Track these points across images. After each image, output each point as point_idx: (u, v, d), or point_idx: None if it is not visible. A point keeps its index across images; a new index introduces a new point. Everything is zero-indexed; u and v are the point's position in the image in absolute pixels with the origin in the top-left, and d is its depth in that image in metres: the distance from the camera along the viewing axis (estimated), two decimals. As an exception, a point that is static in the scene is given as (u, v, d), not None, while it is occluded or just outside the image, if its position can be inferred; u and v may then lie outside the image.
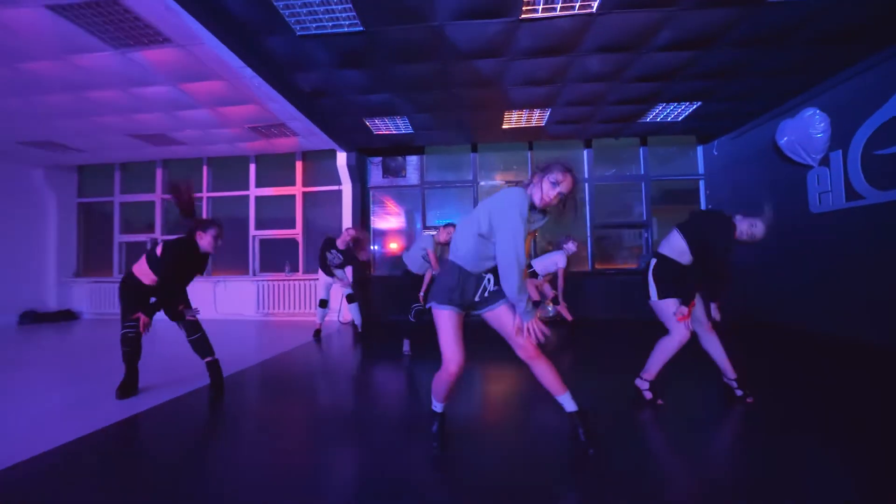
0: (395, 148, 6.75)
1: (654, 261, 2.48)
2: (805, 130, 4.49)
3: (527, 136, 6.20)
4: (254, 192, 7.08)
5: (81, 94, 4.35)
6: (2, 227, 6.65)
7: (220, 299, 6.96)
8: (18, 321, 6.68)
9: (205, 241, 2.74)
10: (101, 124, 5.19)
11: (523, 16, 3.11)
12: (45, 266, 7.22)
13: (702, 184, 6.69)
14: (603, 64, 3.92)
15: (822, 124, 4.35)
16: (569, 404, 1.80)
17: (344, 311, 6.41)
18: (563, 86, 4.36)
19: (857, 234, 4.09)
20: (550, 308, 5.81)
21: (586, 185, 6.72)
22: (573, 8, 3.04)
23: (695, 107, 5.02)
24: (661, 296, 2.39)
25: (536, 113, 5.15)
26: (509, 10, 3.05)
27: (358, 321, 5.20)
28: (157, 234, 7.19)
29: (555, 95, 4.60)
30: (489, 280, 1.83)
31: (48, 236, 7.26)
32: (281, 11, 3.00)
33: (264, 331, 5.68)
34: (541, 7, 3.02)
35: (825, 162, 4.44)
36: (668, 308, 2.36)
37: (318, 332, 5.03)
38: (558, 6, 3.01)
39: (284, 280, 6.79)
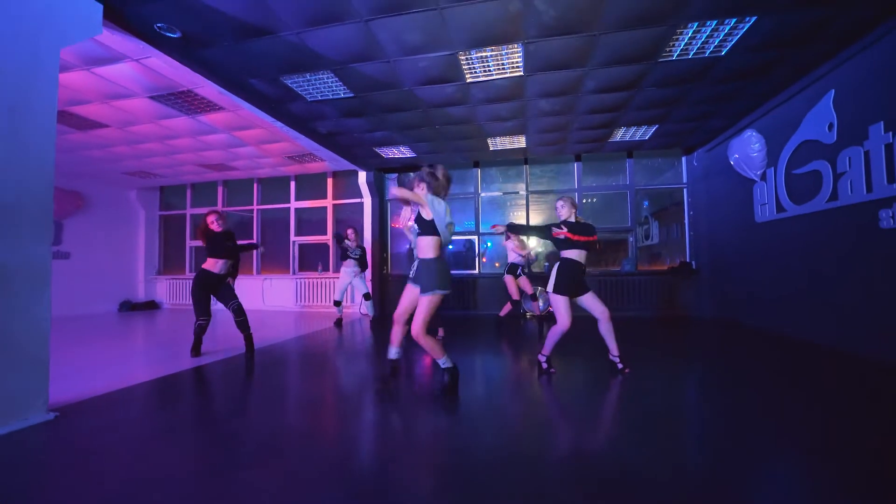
0: (408, 166, 7.91)
1: (557, 263, 3.31)
2: (745, 149, 5.10)
3: (517, 154, 7.12)
4: (294, 204, 8.55)
5: (166, 142, 5.91)
6: (107, 235, 8.61)
7: (267, 294, 8.50)
8: (118, 309, 8.60)
9: (212, 225, 4.01)
10: (178, 159, 6.82)
11: (468, 80, 4.13)
12: (136, 266, 9.17)
13: (685, 192, 7.25)
14: (552, 104, 4.81)
15: (758, 144, 4.95)
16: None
17: (363, 305, 7.69)
18: (526, 120, 5.29)
19: (784, 241, 4.67)
20: (531, 304, 6.68)
21: (576, 194, 7.50)
22: (505, 72, 4.01)
23: (654, 128, 5.72)
24: (555, 290, 3.26)
25: (517, 138, 6.08)
26: (457, 77, 4.08)
27: (371, 312, 6.46)
28: (219, 240, 8.88)
29: (523, 126, 5.53)
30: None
31: (138, 242, 9.21)
32: (293, 88, 4.23)
33: (300, 319, 7.07)
34: (480, 74, 4.02)
35: (764, 177, 5.02)
36: (555, 300, 3.23)
37: (339, 321, 6.22)
38: (493, 72, 4.00)
39: (318, 278, 8.19)
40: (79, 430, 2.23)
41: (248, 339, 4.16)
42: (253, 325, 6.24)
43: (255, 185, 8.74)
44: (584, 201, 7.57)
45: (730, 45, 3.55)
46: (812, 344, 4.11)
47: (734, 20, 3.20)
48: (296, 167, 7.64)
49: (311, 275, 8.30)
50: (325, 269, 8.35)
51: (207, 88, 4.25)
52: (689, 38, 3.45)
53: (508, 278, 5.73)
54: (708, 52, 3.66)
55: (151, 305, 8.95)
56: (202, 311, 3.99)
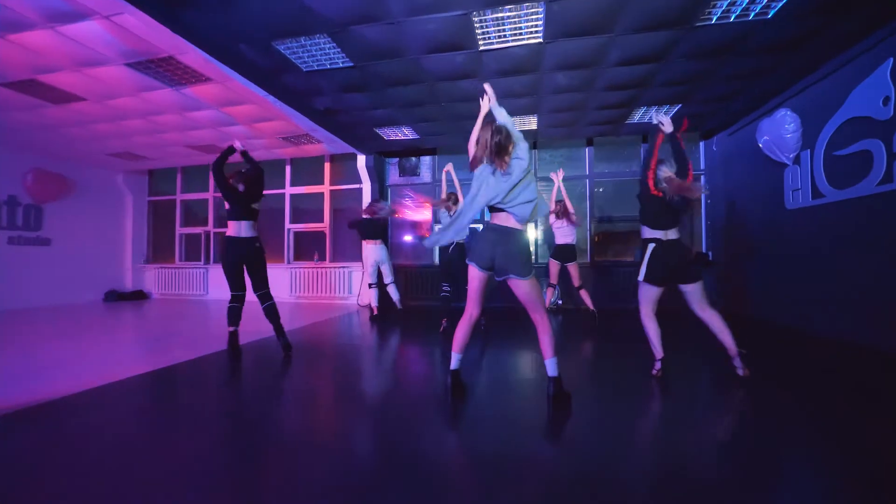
0: (409, 150, 7.49)
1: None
2: (778, 130, 4.71)
3: (527, 137, 6.69)
4: (289, 190, 8.13)
5: (150, 118, 5.47)
6: (92, 221, 8.18)
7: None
8: (104, 298, 8.21)
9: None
10: (165, 139, 6.37)
11: (481, 47, 3.71)
12: (123, 254, 8.75)
13: (703, 178, 6.87)
14: (570, 79, 4.40)
15: (793, 125, 4.56)
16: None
17: (363, 296, 7.32)
18: (540, 98, 4.88)
19: (820, 230, 4.31)
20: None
21: (587, 181, 7.12)
22: (522, 38, 3.59)
23: (676, 109, 5.32)
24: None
25: (527, 118, 5.67)
26: (468, 44, 3.66)
27: (397, 298, 5.91)
28: (210, 227, 8.46)
29: (536, 105, 5.12)
30: None
31: (125, 229, 8.79)
32: (287, 56, 3.81)
33: (296, 310, 6.71)
34: (494, 40, 3.61)
35: (798, 161, 4.64)
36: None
37: (373, 315, 5.67)
38: (509, 38, 3.58)
39: (314, 268, 7.81)
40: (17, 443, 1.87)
41: (278, 330, 3.56)
42: (245, 316, 5.91)
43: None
44: (597, 190, 7.19)
45: (779, 5, 3.14)
46: (849, 343, 3.78)
47: (791, -26, 2.80)
48: (291, 150, 7.20)
49: (306, 264, 7.92)
50: (322, 258, 7.97)
51: (191, 55, 3.82)
52: (735, -3, 3.05)
53: (553, 263, 5.25)
54: (752, 14, 3.25)
55: (139, 295, 8.56)
56: (234, 285, 3.49)
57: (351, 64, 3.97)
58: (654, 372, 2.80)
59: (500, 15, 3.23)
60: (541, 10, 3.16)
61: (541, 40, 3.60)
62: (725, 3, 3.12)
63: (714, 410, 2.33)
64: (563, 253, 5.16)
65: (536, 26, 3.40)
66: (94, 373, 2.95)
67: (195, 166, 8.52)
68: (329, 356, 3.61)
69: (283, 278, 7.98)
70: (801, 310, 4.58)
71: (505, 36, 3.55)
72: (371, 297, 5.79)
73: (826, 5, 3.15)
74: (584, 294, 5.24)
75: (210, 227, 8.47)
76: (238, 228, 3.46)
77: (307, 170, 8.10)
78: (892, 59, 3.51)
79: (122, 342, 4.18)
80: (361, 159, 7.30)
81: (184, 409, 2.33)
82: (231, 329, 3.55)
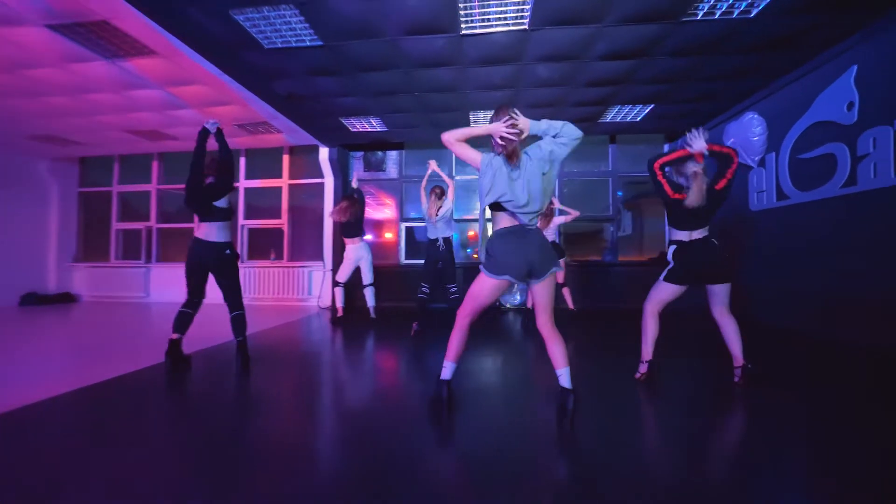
0: (375, 144, 7.12)
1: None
2: (745, 133, 4.84)
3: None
4: (243, 183, 7.50)
5: (80, 96, 4.77)
6: (6, 214, 7.13)
7: (212, 284, 7.41)
8: (20, 302, 7.18)
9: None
10: (100, 122, 5.62)
11: (464, 30, 3.48)
12: (45, 251, 7.70)
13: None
14: (551, 71, 4.27)
15: (759, 128, 4.70)
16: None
17: (324, 298, 6.88)
18: (518, 91, 4.72)
19: (785, 231, 4.45)
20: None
21: (556, 180, 7.08)
22: (507, 24, 3.40)
23: (649, 108, 5.35)
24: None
25: (501, 113, 5.50)
26: (450, 27, 3.42)
27: (372, 305, 5.34)
28: (153, 222, 7.65)
29: (514, 99, 4.96)
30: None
31: (50, 223, 7.75)
32: (247, 29, 3.38)
33: (251, 313, 6.14)
34: (478, 24, 3.39)
35: (763, 163, 4.78)
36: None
37: (336, 317, 5.18)
38: (494, 22, 3.38)
39: (270, 267, 7.25)
40: None
41: (241, 343, 3.12)
42: (196, 318, 5.33)
43: (197, 160, 7.57)
44: (565, 190, 7.18)
45: (763, 4, 3.15)
46: (813, 339, 3.90)
47: (780, -30, 2.78)
48: (247, 139, 6.62)
49: (262, 263, 7.34)
50: (279, 257, 7.41)
51: (130, 21, 3.30)
52: (723, -8, 3.01)
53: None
54: (736, 12, 3.24)
55: (66, 298, 7.58)
56: (191, 290, 3.06)
57: (320, 43, 3.60)
58: (638, 375, 2.67)
59: (488, -5, 3.02)
60: (531, -9, 2.97)
61: (526, 27, 3.42)
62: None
63: (692, 412, 2.22)
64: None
65: (523, 11, 3.21)
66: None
67: (136, 155, 7.68)
68: (291, 365, 3.22)
69: (242, 279, 7.34)
70: (765, 307, 4.72)
71: (489, 20, 3.34)
72: (337, 297, 5.33)
73: (805, 7, 3.19)
74: (565, 292, 5.22)
75: (153, 222, 7.65)
76: (208, 230, 3.00)
77: (264, 162, 7.51)
78: (856, 67, 3.65)
79: (41, 354, 3.56)
80: (324, 152, 6.85)
81: (116, 434, 1.91)
82: (174, 336, 3.03)
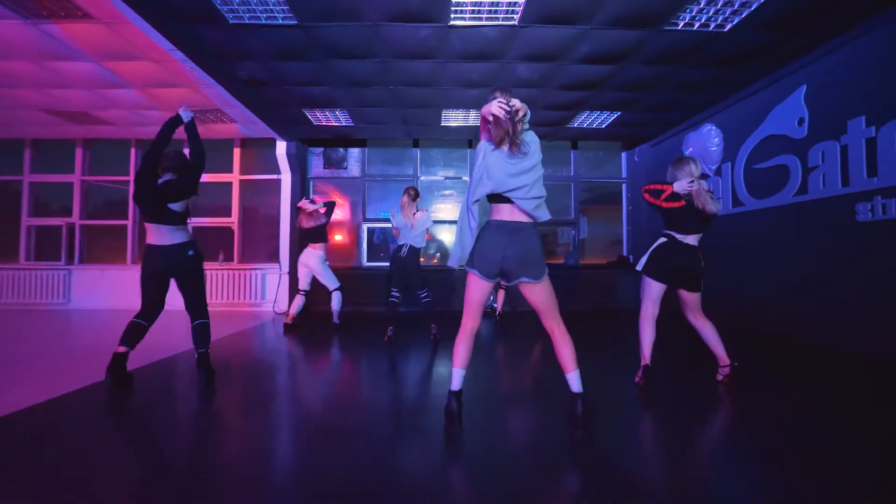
0: (337, 139, 6.77)
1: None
2: (704, 143, 5.12)
3: (466, 135, 6.48)
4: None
5: (-14, 64, 4.03)
6: None
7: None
8: None
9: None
10: (11, 97, 4.80)
11: (452, 22, 3.33)
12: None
13: (624, 187, 7.33)
14: (531, 71, 4.25)
15: (717, 139, 5.00)
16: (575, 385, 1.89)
17: (280, 302, 6.40)
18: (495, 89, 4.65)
19: (740, 235, 4.74)
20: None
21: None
22: (498, 18, 3.31)
23: (616, 115, 5.52)
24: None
25: (472, 112, 5.42)
26: (438, 15, 3.26)
27: (336, 310, 4.87)
28: (76, 218, 6.70)
29: (489, 98, 4.88)
30: None
31: (-60, 218, 6.54)
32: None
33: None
34: (468, 15, 3.26)
35: (719, 172, 5.09)
36: None
37: (286, 324, 4.72)
38: (484, 15, 3.27)
39: (219, 269, 6.61)
40: None
41: (203, 356, 2.70)
42: (115, 329, 4.68)
43: (132, 150, 6.75)
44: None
45: (736, 19, 3.31)
46: (770, 336, 4.18)
47: (757, -13, 2.93)
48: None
49: (211, 265, 6.68)
50: (228, 258, 6.80)
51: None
52: (705, 5, 3.12)
53: None
54: (713, 25, 3.39)
55: (-42, 305, 6.41)
56: (146, 301, 2.63)
57: (294, 21, 3.29)
58: (637, 379, 2.66)
59: (483, -15, 2.90)
60: (527, -15, 2.90)
61: (515, 23, 3.35)
62: (695, 10, 3.19)
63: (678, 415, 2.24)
64: None
65: (516, 6, 3.13)
66: None
67: (54, 141, 6.69)
68: (257, 379, 2.87)
69: (177, 282, 6.62)
70: (720, 307, 5.00)
71: (480, 12, 3.22)
72: (294, 303, 4.82)
73: (772, 24, 3.40)
74: (500, 294, 5.20)
75: (76, 218, 6.69)
76: (159, 234, 2.59)
77: (211, 154, 6.81)
78: (805, 86, 3.96)
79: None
80: (281, 146, 6.38)
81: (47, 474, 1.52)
82: (120, 349, 2.55)
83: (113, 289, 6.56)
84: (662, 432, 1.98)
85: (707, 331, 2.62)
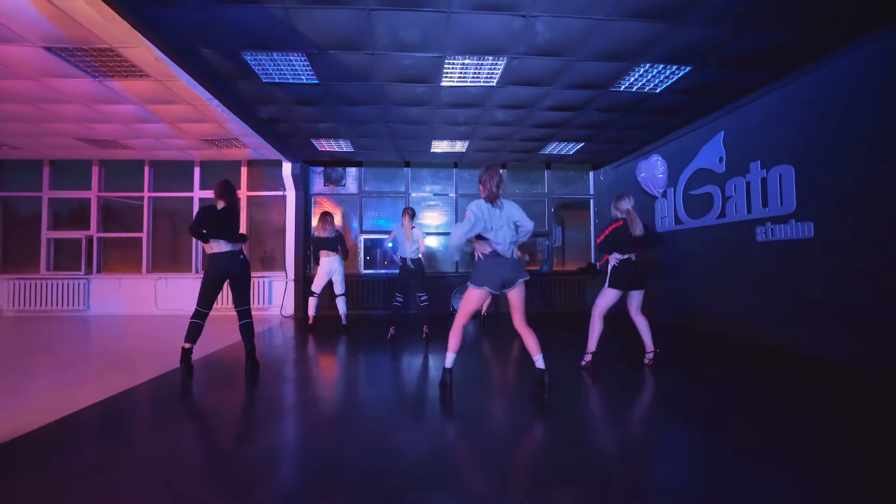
0: (336, 161, 7.53)
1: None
2: (652, 170, 6.11)
3: (452, 158, 7.34)
4: (198, 193, 7.45)
5: (41, 105, 4.66)
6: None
7: (161, 296, 7.26)
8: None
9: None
10: (50, 129, 5.43)
11: (443, 83, 4.19)
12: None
13: (591, 202, 8.31)
14: (507, 115, 5.14)
15: (662, 167, 5.98)
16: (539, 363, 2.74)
17: (287, 307, 7.11)
18: (477, 127, 5.53)
19: (681, 248, 5.73)
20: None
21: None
22: (479, 81, 4.18)
23: (580, 145, 6.48)
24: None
25: (458, 143, 6.29)
26: (433, 79, 4.11)
27: (343, 313, 5.57)
28: (94, 231, 7.28)
29: (472, 133, 5.77)
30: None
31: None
32: (251, 66, 3.77)
33: (212, 323, 6.21)
34: (456, 79, 4.12)
35: (665, 195, 6.08)
36: None
37: (309, 325, 5.50)
38: (469, 80, 4.13)
39: (229, 278, 7.26)
40: None
41: (250, 353, 3.45)
42: (144, 333, 5.35)
43: (146, 169, 7.37)
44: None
45: (664, 86, 4.27)
46: (701, 330, 5.16)
47: (675, 66, 3.87)
48: (208, 152, 6.69)
49: (220, 274, 7.33)
50: (238, 267, 7.44)
51: (138, 50, 3.53)
52: (638, 76, 4.06)
53: None
54: (647, 88, 4.34)
55: (-17, 312, 6.91)
56: (206, 304, 3.35)
57: (316, 81, 4.09)
58: (584, 363, 3.52)
59: (468, 62, 3.76)
60: (502, 63, 3.77)
61: (494, 84, 4.22)
62: (631, 79, 4.13)
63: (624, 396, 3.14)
64: None
65: (494, 74, 4.01)
66: None
67: (72, 161, 7.25)
68: (288, 372, 3.64)
69: (189, 289, 7.26)
70: (667, 308, 5.99)
71: (465, 77, 4.08)
72: (310, 305, 5.61)
73: (691, 90, 4.37)
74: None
75: (94, 231, 7.27)
76: (218, 245, 3.31)
77: (220, 173, 7.52)
78: (723, 132, 4.96)
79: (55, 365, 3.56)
80: (287, 167, 7.11)
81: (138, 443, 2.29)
82: (186, 346, 3.34)
83: (129, 296, 7.16)
84: (605, 400, 2.87)
85: (643, 324, 3.55)
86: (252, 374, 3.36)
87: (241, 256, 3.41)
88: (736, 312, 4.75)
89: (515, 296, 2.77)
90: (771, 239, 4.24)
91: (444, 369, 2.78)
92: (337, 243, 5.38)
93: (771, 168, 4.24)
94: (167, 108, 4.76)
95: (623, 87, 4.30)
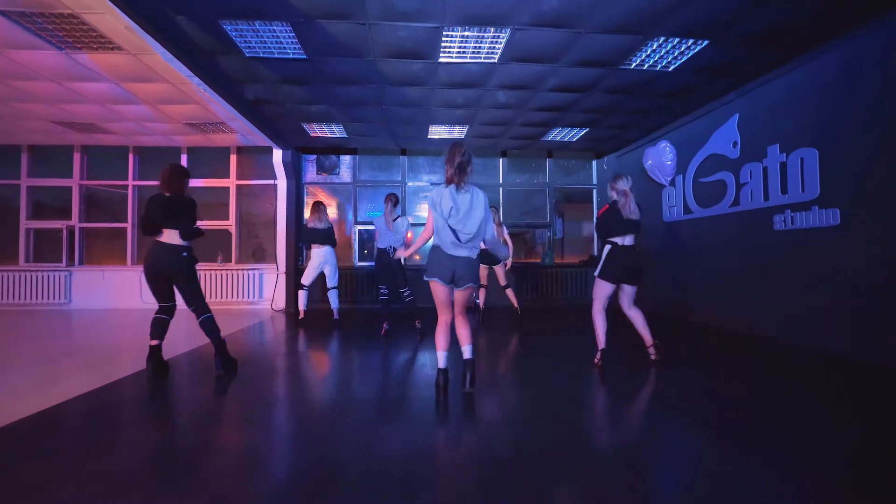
0: (330, 148, 7.22)
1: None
2: (660, 157, 5.82)
3: (450, 144, 7.02)
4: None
5: (9, 83, 4.34)
6: None
7: (146, 289, 6.92)
8: None
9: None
10: (23, 110, 5.10)
11: (441, 59, 3.88)
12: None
13: (595, 192, 8.03)
14: (508, 97, 4.84)
15: (671, 154, 5.70)
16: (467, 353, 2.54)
17: (278, 300, 6.84)
18: (477, 110, 5.23)
19: (691, 238, 5.47)
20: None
21: (500, 189, 7.75)
22: (480, 58, 3.87)
23: (584, 131, 6.18)
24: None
25: (457, 128, 5.99)
26: (429, 54, 3.80)
27: (336, 307, 5.36)
28: (76, 221, 6.96)
29: (471, 117, 5.47)
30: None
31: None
32: (232, 37, 3.46)
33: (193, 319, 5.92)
34: (454, 54, 3.81)
35: (673, 183, 5.80)
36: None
37: (300, 319, 5.29)
38: (468, 55, 3.83)
39: (218, 270, 6.99)
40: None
41: (220, 347, 3.09)
42: (127, 327, 5.08)
43: (131, 156, 7.04)
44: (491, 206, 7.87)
45: (677, 63, 3.97)
46: (710, 325, 4.92)
47: (691, 41, 3.58)
48: (195, 137, 6.36)
49: (210, 266, 7.05)
50: (227, 259, 7.18)
51: (106, 17, 3.21)
52: (651, 51, 3.77)
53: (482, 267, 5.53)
54: (659, 66, 4.04)
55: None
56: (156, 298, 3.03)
57: (304, 56, 3.78)
58: (596, 361, 3.26)
59: (468, 34, 3.45)
60: (505, 36, 3.47)
61: (495, 61, 3.92)
62: (643, 55, 3.84)
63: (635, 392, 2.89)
64: (485, 258, 5.51)
65: (495, 49, 3.71)
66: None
67: (53, 146, 6.92)
68: (274, 368, 3.38)
69: (177, 282, 6.96)
70: (675, 300, 5.74)
71: (465, 53, 3.78)
72: (301, 299, 5.37)
73: (706, 68, 4.08)
74: (509, 293, 5.75)
75: (75, 220, 6.95)
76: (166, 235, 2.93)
77: (208, 161, 7.21)
78: (738, 114, 4.68)
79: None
80: (278, 154, 6.80)
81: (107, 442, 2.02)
82: (153, 342, 2.99)
83: (113, 289, 6.87)
84: (619, 398, 2.61)
85: (638, 318, 3.28)
86: (227, 371, 3.05)
87: (184, 254, 2.93)
88: (749, 305, 4.49)
89: (461, 295, 2.57)
90: (791, 227, 3.97)
91: (438, 370, 2.53)
92: (328, 235, 5.12)
93: (791, 152, 3.96)
94: (145, 86, 4.43)
95: (634, 64, 4.01)
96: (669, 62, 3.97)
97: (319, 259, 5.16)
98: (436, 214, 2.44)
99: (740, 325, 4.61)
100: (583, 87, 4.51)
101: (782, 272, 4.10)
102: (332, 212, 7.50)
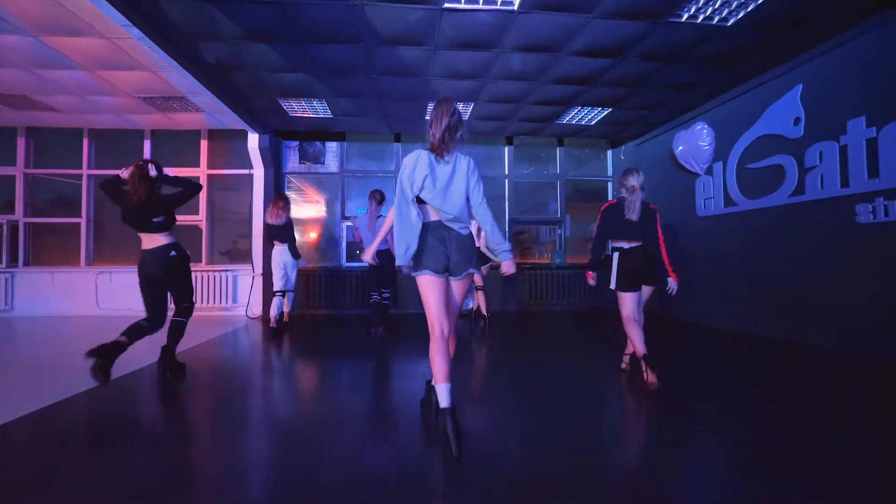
0: (314, 133, 6.37)
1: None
2: (695, 142, 5.03)
3: (452, 130, 6.20)
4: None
5: None
6: None
7: (104, 293, 6.06)
8: None
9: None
10: (-67, 77, 4.19)
11: (447, 5, 3.05)
12: None
13: (610, 185, 7.24)
14: (525, 63, 4.02)
15: (709, 137, 4.91)
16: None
17: (253, 306, 5.98)
18: (486, 82, 4.41)
19: (733, 235, 4.68)
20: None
21: (506, 181, 6.93)
22: (496, 2, 3.05)
23: (605, 112, 5.38)
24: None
25: (459, 107, 5.16)
26: (432, -2, 2.98)
27: (287, 309, 4.91)
28: (20, 216, 6.03)
29: (478, 90, 4.64)
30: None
31: None
32: (173, -35, 2.62)
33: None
34: (464, -2, 2.99)
35: (710, 171, 5.02)
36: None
37: (271, 328, 4.68)
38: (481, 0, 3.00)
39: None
40: None
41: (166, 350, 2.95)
42: (79, 338, 4.24)
43: (85, 141, 6.13)
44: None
45: (739, 15, 3.17)
46: (766, 340, 4.13)
47: (767, -22, 2.78)
48: (156, 117, 5.47)
49: (175, 266, 6.16)
50: (196, 259, 6.28)
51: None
52: (711, -3, 2.97)
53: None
54: (716, 19, 3.24)
55: None
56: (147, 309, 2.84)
57: (270, -4, 2.93)
58: (644, 372, 2.57)
59: (483, -38, 2.63)
60: (531, -36, 2.65)
61: (514, 8, 3.10)
62: (699, 2, 3.03)
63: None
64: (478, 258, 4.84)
65: (516, -12, 2.89)
66: None
67: (-9, 128, 6.00)
68: (237, 389, 2.54)
69: (136, 287, 6.07)
70: (712, 311, 4.94)
71: (477, -6, 2.96)
72: (274, 306, 4.67)
73: (773, 23, 3.29)
74: (480, 295, 4.96)
75: (19, 215, 6.02)
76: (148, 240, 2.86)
77: (176, 146, 6.31)
78: (801, 85, 3.90)
79: None
80: (253, 139, 5.93)
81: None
82: (121, 339, 2.63)
83: (64, 293, 5.96)
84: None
85: (640, 322, 2.81)
86: (171, 376, 2.86)
87: (172, 253, 2.89)
88: (823, 315, 3.69)
89: (458, 287, 1.95)
90: (883, 219, 3.18)
91: (441, 411, 1.70)
92: (287, 232, 4.54)
93: (884, 126, 3.18)
94: (73, 42, 3.55)
95: (686, 15, 3.20)
96: (730, 14, 3.16)
97: (278, 258, 4.59)
98: (402, 185, 1.81)
99: (809, 337, 3.81)
100: (616, 48, 3.70)
101: (870, 275, 3.30)
102: (321, 208, 6.66)
